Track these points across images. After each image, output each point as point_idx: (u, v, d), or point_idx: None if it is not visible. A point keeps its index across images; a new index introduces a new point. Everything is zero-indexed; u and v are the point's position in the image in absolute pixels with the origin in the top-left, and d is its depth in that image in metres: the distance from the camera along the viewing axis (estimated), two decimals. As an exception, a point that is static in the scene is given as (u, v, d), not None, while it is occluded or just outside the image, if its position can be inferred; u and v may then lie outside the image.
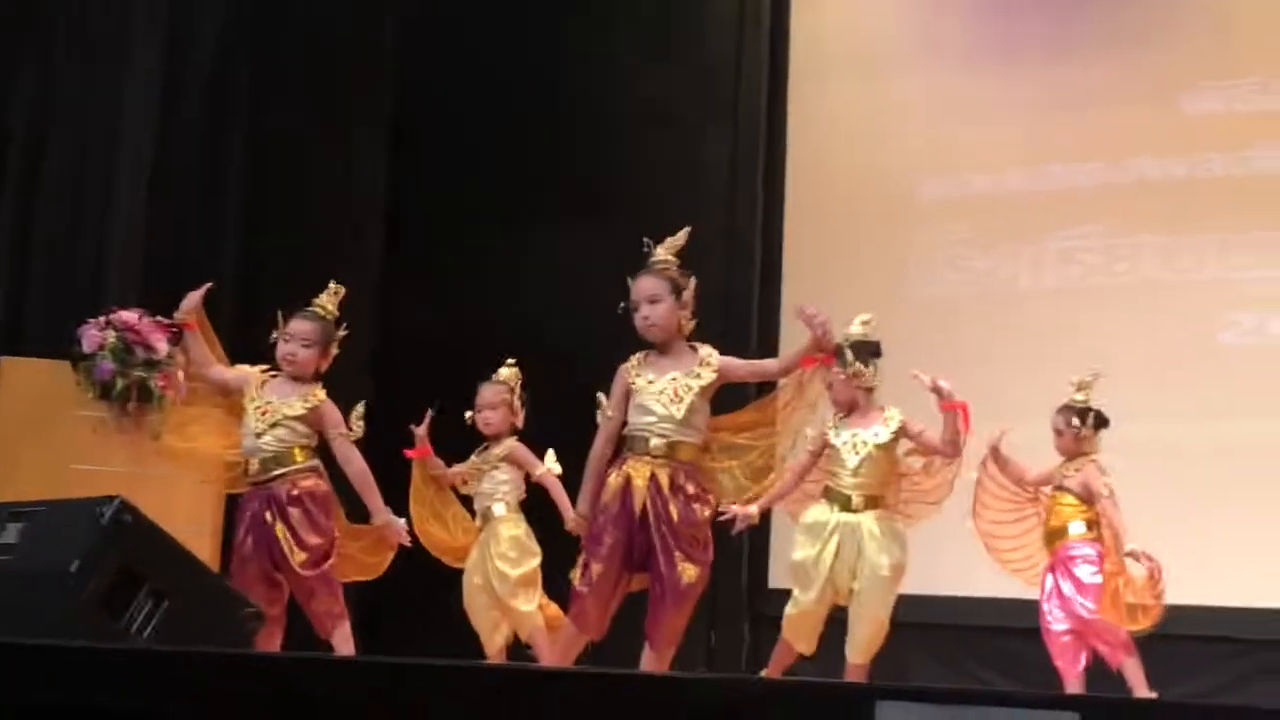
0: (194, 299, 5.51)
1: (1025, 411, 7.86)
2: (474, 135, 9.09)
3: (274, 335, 5.53)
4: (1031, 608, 7.55)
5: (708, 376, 5.00)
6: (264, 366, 5.56)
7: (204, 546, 5.69)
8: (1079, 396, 6.30)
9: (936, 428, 5.63)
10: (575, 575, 5.05)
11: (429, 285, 8.82)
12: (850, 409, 5.78)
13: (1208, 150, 7.89)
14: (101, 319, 5.91)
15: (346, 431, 5.47)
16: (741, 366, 5.18)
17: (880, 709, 2.21)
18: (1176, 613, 6.05)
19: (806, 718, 2.24)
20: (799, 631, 5.83)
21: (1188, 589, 6.26)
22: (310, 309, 5.58)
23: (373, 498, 5.47)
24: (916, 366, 7.92)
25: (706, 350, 5.10)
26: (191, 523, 5.64)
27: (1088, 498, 6.13)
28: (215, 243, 7.94)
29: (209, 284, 5.59)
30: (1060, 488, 6.25)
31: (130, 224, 7.31)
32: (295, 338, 5.49)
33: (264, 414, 5.43)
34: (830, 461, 5.76)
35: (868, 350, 5.77)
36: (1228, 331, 7.73)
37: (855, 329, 5.80)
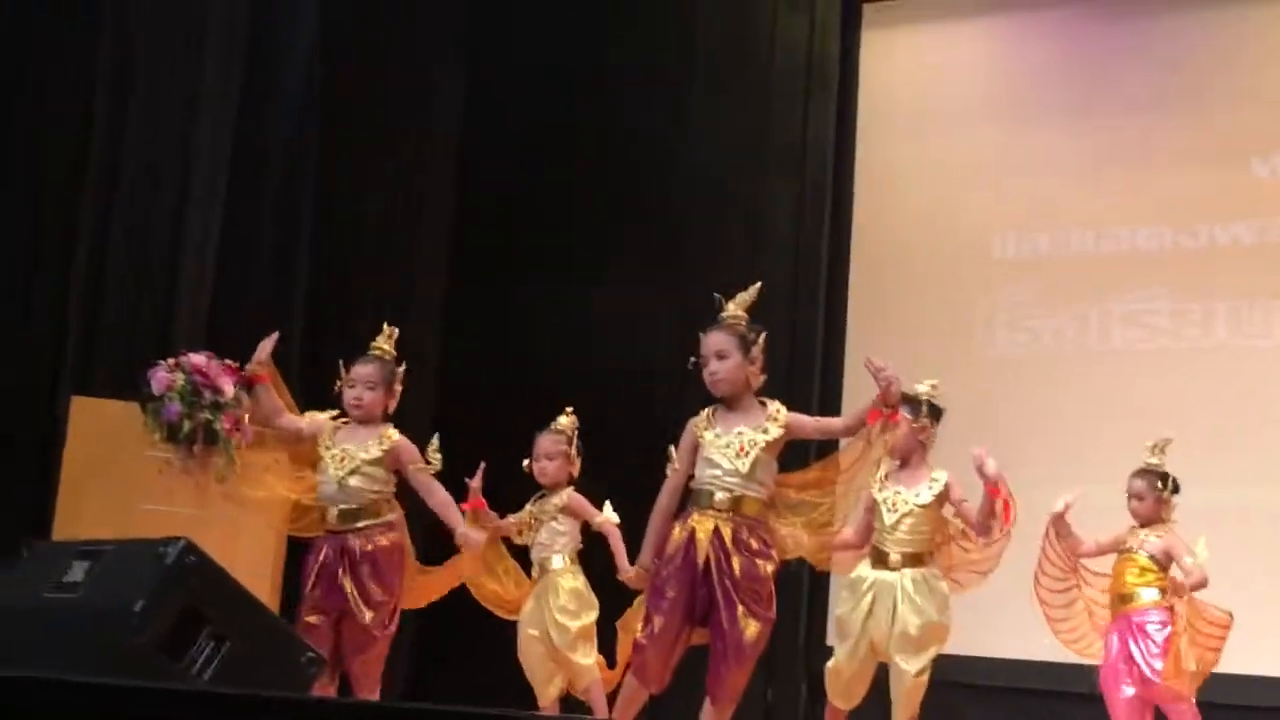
0: (265, 349, 5.61)
1: (1086, 475, 7.84)
2: (541, 180, 9.19)
3: (339, 385, 5.64)
4: (1087, 672, 7.55)
5: (775, 432, 5.04)
6: (334, 412, 5.65)
7: (265, 590, 5.78)
8: (1153, 460, 6.24)
9: (978, 499, 5.64)
10: (638, 628, 5.06)
11: (491, 329, 8.91)
12: (905, 462, 5.77)
13: (1278, 215, 7.85)
14: (171, 361, 6.03)
15: (424, 465, 5.57)
16: (809, 423, 5.22)
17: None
18: (1242, 682, 5.98)
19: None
20: (835, 687, 5.89)
21: (1252, 658, 6.18)
22: (369, 353, 5.69)
23: (454, 518, 5.60)
24: (977, 427, 7.98)
25: (775, 406, 5.13)
26: (254, 566, 5.72)
27: (1165, 564, 6.05)
28: (283, 289, 8.04)
29: (277, 334, 5.69)
30: (1128, 551, 6.14)
31: (200, 266, 7.41)
32: (359, 382, 5.60)
33: (341, 461, 5.52)
34: (875, 517, 5.78)
35: (934, 411, 5.77)
36: (1295, 396, 7.67)
37: (923, 388, 5.85)
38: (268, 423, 5.69)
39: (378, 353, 5.68)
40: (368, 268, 8.69)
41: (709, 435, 5.07)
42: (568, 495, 6.27)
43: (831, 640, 8.07)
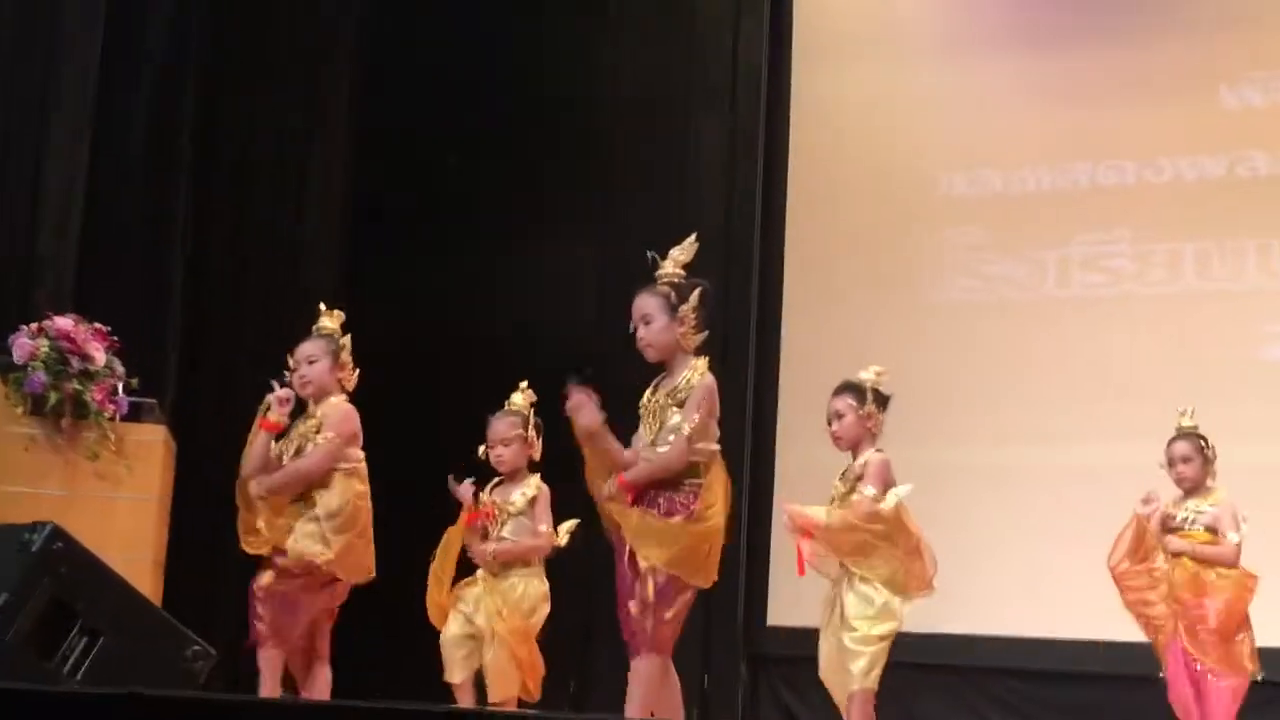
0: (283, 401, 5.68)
1: (1044, 430, 7.93)
2: (445, 133, 9.05)
3: (288, 379, 5.71)
4: (1051, 647, 7.62)
5: (683, 392, 4.98)
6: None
7: (145, 577, 5.66)
8: (1187, 422, 6.33)
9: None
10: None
11: (400, 293, 8.77)
12: (855, 452, 5.80)
13: (1249, 147, 7.89)
14: (34, 326, 5.87)
15: (331, 436, 5.59)
16: (692, 408, 5.02)
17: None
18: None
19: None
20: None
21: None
22: (311, 334, 5.81)
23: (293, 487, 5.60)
24: (926, 380, 8.03)
25: (696, 364, 5.05)
26: (132, 551, 5.62)
27: (1215, 532, 6.17)
28: (160, 247, 7.90)
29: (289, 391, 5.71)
30: (1178, 527, 6.21)
31: (65, 224, 7.23)
32: (300, 360, 5.72)
33: (290, 444, 5.66)
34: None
35: (880, 399, 5.83)
36: (1269, 345, 7.72)
37: (868, 375, 5.85)
38: (254, 474, 5.63)
39: (318, 330, 5.83)
40: (255, 226, 8.56)
41: (640, 404, 5.09)
42: (537, 487, 6.17)
43: (777, 621, 8.23)
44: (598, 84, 9.02)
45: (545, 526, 6.10)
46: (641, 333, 5.02)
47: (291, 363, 5.71)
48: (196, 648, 3.88)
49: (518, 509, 6.12)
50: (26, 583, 3.64)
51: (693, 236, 5.19)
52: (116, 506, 5.78)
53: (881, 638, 5.64)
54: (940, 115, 8.57)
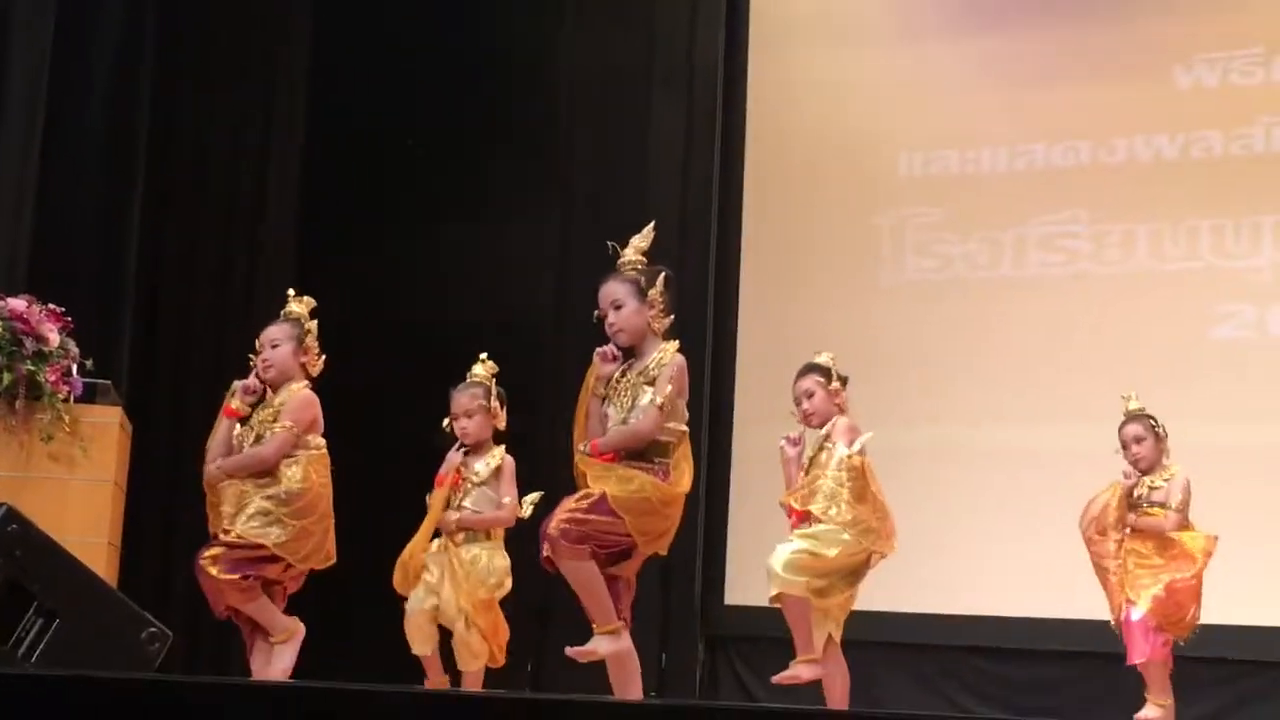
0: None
1: (1002, 410, 7.96)
2: (403, 108, 8.99)
3: (251, 364, 5.65)
4: (1008, 626, 7.67)
5: (653, 370, 5.06)
6: None
7: (100, 559, 5.62)
8: (1134, 405, 6.47)
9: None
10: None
11: (356, 274, 8.72)
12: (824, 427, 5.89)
13: (1203, 128, 7.93)
14: (-14, 307, 5.81)
15: (289, 425, 5.53)
16: (664, 382, 5.08)
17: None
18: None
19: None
20: None
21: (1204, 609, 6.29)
22: (279, 317, 5.76)
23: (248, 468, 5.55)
24: (884, 359, 8.04)
25: (665, 346, 5.13)
26: (87, 532, 5.58)
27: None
28: (114, 230, 7.83)
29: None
30: (1139, 504, 6.35)
31: (17, 204, 7.17)
32: (265, 344, 5.66)
33: (251, 430, 5.58)
34: None
35: (842, 380, 5.97)
36: (1223, 325, 7.77)
37: (824, 358, 5.98)
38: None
39: (284, 314, 5.77)
40: (210, 207, 8.50)
41: (601, 387, 5.12)
42: (500, 457, 6.17)
43: (735, 600, 8.25)
44: (554, 67, 8.97)
45: (509, 499, 6.10)
46: (612, 318, 5.08)
47: (257, 345, 5.66)
48: (153, 629, 3.85)
49: (480, 479, 6.11)
50: (-20, 564, 3.60)
51: (651, 225, 5.27)
52: (71, 488, 5.72)
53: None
54: (897, 97, 8.57)
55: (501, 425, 6.26)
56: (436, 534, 6.15)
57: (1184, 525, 6.26)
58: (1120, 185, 8.05)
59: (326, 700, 2.91)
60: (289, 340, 5.66)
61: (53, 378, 5.76)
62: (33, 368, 5.74)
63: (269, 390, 5.64)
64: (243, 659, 5.66)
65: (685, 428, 5.07)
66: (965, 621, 7.87)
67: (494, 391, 6.24)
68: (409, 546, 6.09)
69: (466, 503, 6.12)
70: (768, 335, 8.42)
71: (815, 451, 5.84)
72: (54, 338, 5.80)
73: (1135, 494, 6.34)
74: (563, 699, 3.28)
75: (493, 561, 6.06)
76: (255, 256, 8.44)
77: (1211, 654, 6.98)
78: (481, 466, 6.14)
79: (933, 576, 7.77)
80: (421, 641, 6.05)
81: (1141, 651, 6.16)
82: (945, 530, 7.78)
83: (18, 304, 5.82)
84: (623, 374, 5.10)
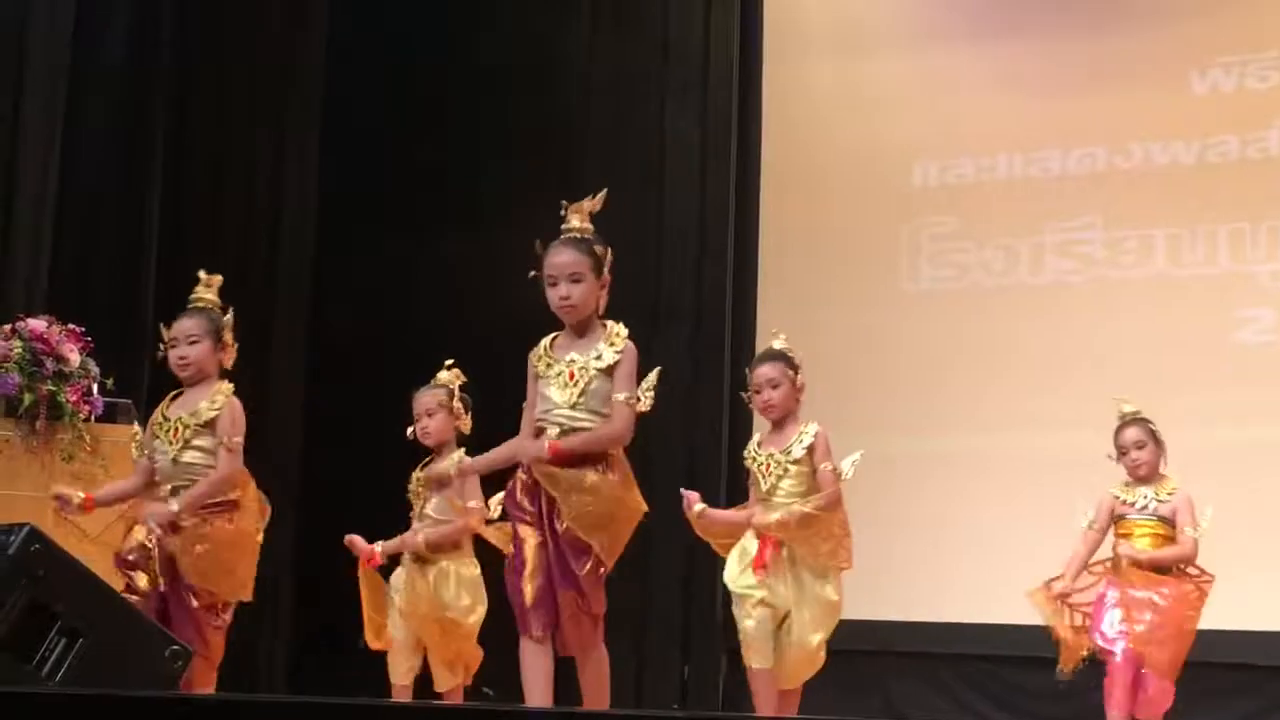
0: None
1: (1017, 419, 7.98)
2: (418, 115, 9.07)
3: (161, 350, 5.34)
4: (1026, 635, 7.66)
5: (610, 357, 4.82)
6: None
7: (121, 578, 5.64)
8: (1130, 409, 6.22)
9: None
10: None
11: (369, 281, 8.81)
12: (780, 423, 5.63)
13: (1220, 133, 7.96)
14: (7, 328, 5.88)
15: (236, 441, 5.20)
16: (630, 379, 4.84)
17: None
18: (1206, 637, 6.10)
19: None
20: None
21: (1221, 614, 6.23)
22: (189, 306, 5.38)
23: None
24: (898, 367, 8.09)
25: (615, 328, 4.90)
26: (108, 552, 5.58)
27: (1173, 524, 6.06)
28: (132, 246, 7.89)
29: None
30: (1131, 513, 6.11)
31: (36, 223, 7.24)
32: (180, 339, 5.27)
33: (175, 433, 5.18)
34: (753, 486, 5.66)
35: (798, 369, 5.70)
36: (1243, 329, 7.79)
37: (783, 345, 5.77)
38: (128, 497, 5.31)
39: (198, 304, 5.37)
40: (228, 220, 8.57)
41: (541, 366, 4.89)
42: (460, 458, 5.68)
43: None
44: (569, 75, 9.03)
45: (475, 501, 5.86)
46: (566, 290, 4.80)
47: (167, 338, 5.29)
48: (175, 648, 3.89)
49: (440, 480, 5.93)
50: (4, 585, 3.64)
51: (603, 190, 5.06)
52: (92, 507, 5.76)
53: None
54: (912, 105, 8.62)
55: (466, 428, 6.12)
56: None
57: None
58: (1137, 191, 8.08)
59: (342, 715, 2.95)
60: (207, 336, 5.27)
61: (73, 397, 5.82)
62: (53, 388, 5.80)
63: (191, 390, 5.26)
64: (257, 676, 5.62)
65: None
66: (985, 630, 7.89)
67: (457, 394, 6.12)
68: (375, 627, 6.07)
69: (429, 510, 6.03)
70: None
71: (783, 469, 5.51)
72: (74, 358, 5.86)
73: (1135, 503, 6.09)
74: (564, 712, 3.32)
75: (461, 573, 5.97)
76: (272, 273, 8.50)
77: (1237, 659, 7.02)
78: (442, 472, 5.81)
79: (951, 585, 7.81)
80: (403, 671, 6.01)
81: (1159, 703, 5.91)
82: (962, 538, 7.82)
83: (38, 325, 5.89)
84: (558, 353, 4.84)
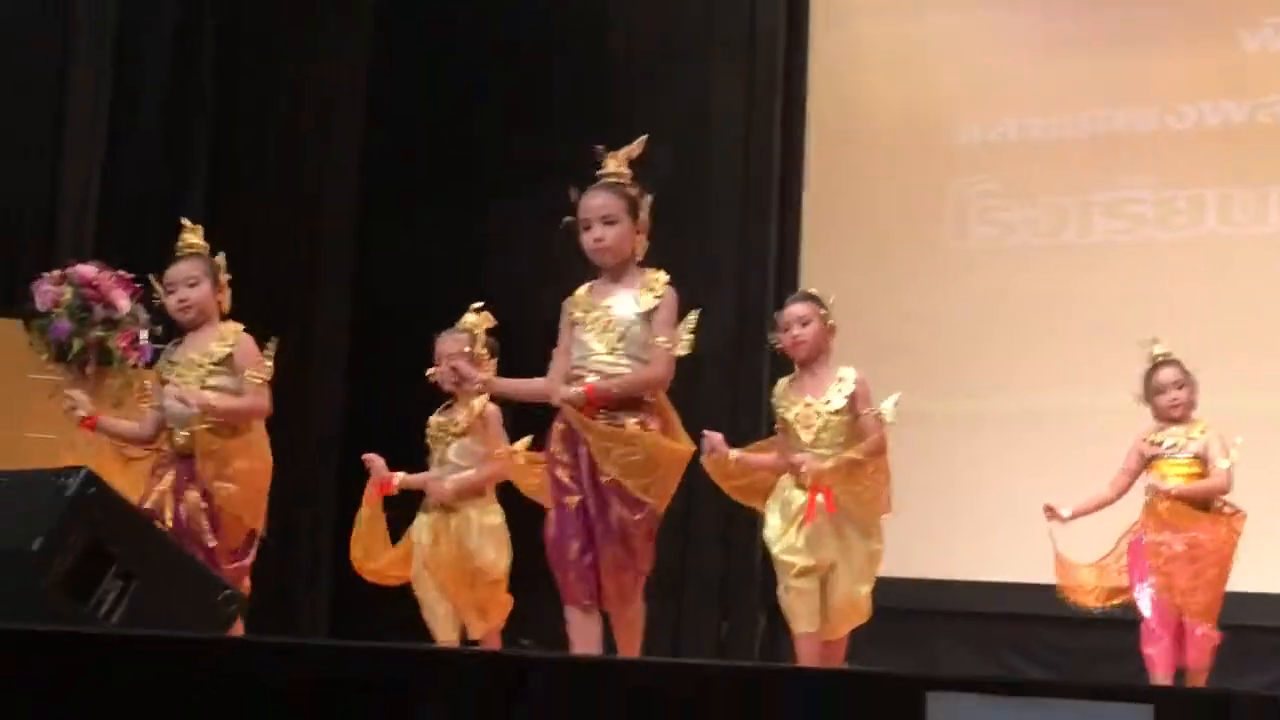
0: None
1: (1063, 376, 7.96)
2: (461, 83, 9.05)
3: (157, 300, 5.50)
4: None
5: (648, 302, 4.81)
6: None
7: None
8: (1160, 350, 6.22)
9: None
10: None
11: (411, 250, 8.81)
12: (809, 366, 5.53)
13: (1271, 92, 7.91)
14: (57, 273, 5.89)
15: (263, 377, 5.37)
16: (669, 323, 4.82)
17: (931, 701, 2.23)
18: (1246, 600, 6.09)
19: (852, 708, 2.26)
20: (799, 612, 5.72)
21: (1260, 576, 6.24)
22: (179, 254, 5.55)
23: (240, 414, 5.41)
24: (944, 327, 8.07)
25: (654, 275, 4.89)
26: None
27: (1205, 460, 6.06)
28: (181, 195, 7.93)
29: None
30: (1165, 452, 6.10)
31: (85, 172, 7.28)
32: (179, 283, 5.47)
33: (188, 372, 5.38)
34: (789, 436, 5.53)
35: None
36: (1297, 290, 7.75)
37: (816, 291, 5.72)
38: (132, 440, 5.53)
39: (188, 249, 5.56)
40: (272, 183, 8.61)
41: (578, 313, 4.88)
42: (481, 404, 5.48)
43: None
44: (614, 36, 9.02)
45: (501, 449, 5.76)
46: (600, 232, 4.78)
47: (163, 286, 5.48)
48: (227, 592, 3.95)
49: (460, 429, 5.91)
50: (62, 527, 3.69)
51: (643, 138, 5.01)
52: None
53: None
54: (960, 64, 8.58)
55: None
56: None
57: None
58: (1187, 151, 8.04)
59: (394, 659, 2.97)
60: (205, 277, 5.47)
61: (123, 344, 5.83)
62: (103, 334, 5.81)
63: (185, 331, 5.45)
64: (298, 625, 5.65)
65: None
66: (1029, 590, 7.88)
67: (481, 339, 5.82)
68: (370, 557, 6.05)
69: (450, 455, 5.98)
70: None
71: (825, 416, 5.40)
72: (124, 304, 5.85)
73: (1164, 443, 6.08)
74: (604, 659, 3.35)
75: (484, 522, 5.93)
76: (316, 235, 8.54)
77: (1275, 623, 7.01)
78: (462, 416, 5.78)
79: (997, 545, 7.80)
80: (445, 626, 5.96)
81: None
82: (1010, 498, 7.78)
83: (88, 270, 5.88)
84: (597, 299, 4.82)
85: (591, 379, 4.74)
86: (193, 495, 5.27)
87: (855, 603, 5.48)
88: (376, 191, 9.00)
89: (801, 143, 8.79)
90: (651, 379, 4.76)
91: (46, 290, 5.83)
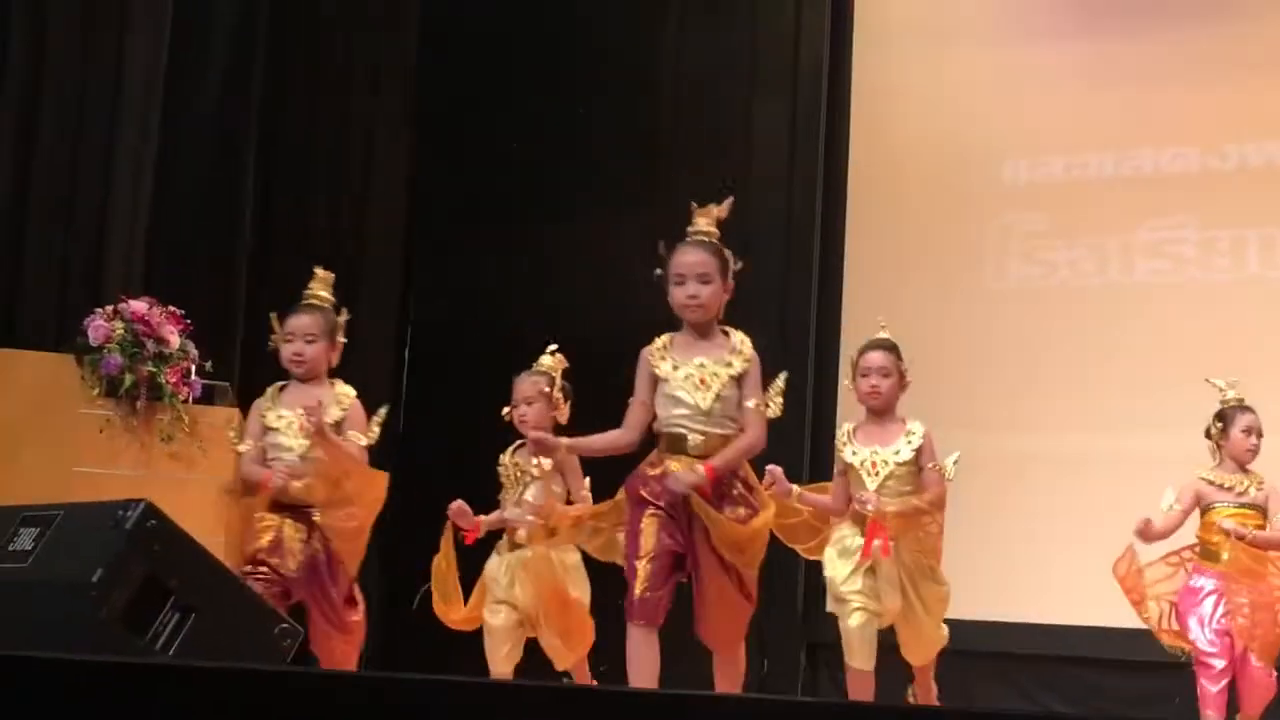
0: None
1: (1105, 418, 7.95)
2: (506, 112, 9.12)
3: (272, 341, 5.51)
4: (1105, 636, 7.63)
5: (739, 366, 4.93)
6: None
7: (218, 556, 5.72)
8: (1234, 395, 6.22)
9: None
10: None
11: (459, 272, 8.88)
12: (880, 415, 5.63)
13: (1315, 133, 7.90)
14: (109, 309, 5.98)
15: (364, 435, 5.47)
16: (759, 387, 4.98)
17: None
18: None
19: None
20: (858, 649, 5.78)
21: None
22: (306, 302, 5.54)
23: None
24: (985, 366, 8.07)
25: (739, 337, 5.02)
26: (205, 533, 5.63)
27: (1265, 511, 6.05)
28: (228, 229, 8.01)
29: None
30: (1213, 502, 6.11)
31: (134, 209, 7.35)
32: (298, 336, 5.45)
33: (301, 428, 5.39)
34: (851, 482, 5.61)
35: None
36: (1337, 333, 7.73)
37: (882, 334, 5.79)
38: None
39: (314, 301, 5.54)
40: (320, 208, 8.68)
41: (665, 367, 4.97)
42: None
43: (831, 607, 8.19)
44: (659, 70, 9.07)
45: (585, 491, 5.85)
46: (695, 290, 4.88)
47: (284, 332, 5.46)
48: (284, 625, 3.96)
49: (541, 472, 5.90)
50: (121, 559, 3.71)
51: (729, 198, 5.11)
52: (190, 487, 5.86)
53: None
54: (1003, 101, 8.61)
55: (564, 419, 6.02)
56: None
57: None
58: (1231, 191, 8.03)
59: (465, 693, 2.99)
60: (324, 336, 5.47)
61: (173, 379, 5.91)
62: (153, 369, 5.88)
63: (305, 385, 5.46)
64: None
65: None
66: (1063, 631, 7.88)
67: (558, 383, 6.03)
68: (449, 602, 6.00)
69: (528, 496, 5.95)
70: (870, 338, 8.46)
71: (894, 466, 5.49)
72: (174, 340, 5.95)
73: (1235, 488, 6.06)
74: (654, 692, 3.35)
75: (564, 560, 5.88)
76: (361, 262, 8.58)
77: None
78: (545, 459, 5.75)
79: (1033, 585, 7.81)
80: (502, 663, 5.91)
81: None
82: (1048, 538, 7.81)
83: (139, 306, 5.97)
84: (683, 358, 4.91)
85: (694, 439, 4.86)
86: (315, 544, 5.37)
87: (931, 632, 5.64)
88: (422, 222, 9.07)
89: (844, 176, 8.82)
90: (753, 445, 4.91)
91: (99, 326, 5.92)
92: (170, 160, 7.51)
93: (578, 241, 8.77)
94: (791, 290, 8.59)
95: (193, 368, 6.01)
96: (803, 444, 8.31)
